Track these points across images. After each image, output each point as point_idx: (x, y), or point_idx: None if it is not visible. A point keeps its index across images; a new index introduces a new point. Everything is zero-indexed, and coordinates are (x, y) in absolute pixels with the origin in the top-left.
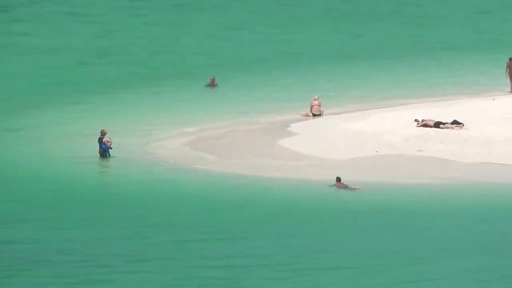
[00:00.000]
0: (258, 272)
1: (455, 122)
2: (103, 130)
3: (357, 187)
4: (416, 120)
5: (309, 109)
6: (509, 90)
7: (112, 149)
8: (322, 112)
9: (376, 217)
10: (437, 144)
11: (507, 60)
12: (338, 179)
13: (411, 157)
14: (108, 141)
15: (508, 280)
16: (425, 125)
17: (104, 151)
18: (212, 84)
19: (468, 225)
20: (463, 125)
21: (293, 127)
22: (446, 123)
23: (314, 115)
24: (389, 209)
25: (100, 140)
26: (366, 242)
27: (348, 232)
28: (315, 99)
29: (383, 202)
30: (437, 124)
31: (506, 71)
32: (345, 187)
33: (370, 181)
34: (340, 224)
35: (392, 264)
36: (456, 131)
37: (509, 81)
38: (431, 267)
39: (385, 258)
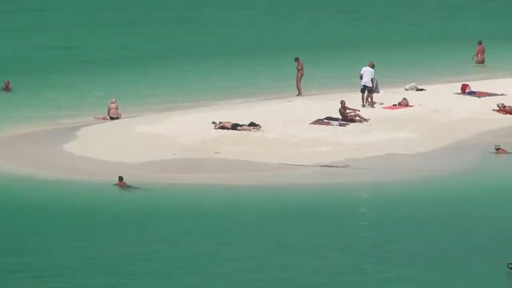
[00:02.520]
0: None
1: (252, 124)
2: None
3: (139, 188)
4: (213, 123)
5: (106, 112)
6: (297, 93)
7: None
8: (120, 115)
9: (162, 217)
10: (235, 146)
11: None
12: (121, 179)
13: (209, 160)
14: None
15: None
16: (223, 127)
17: None
18: (7, 88)
19: (265, 226)
20: (260, 127)
21: (87, 130)
22: (243, 125)
23: (111, 118)
24: (179, 209)
25: None
26: (143, 242)
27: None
28: (112, 102)
29: (174, 203)
30: (235, 126)
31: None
32: (128, 186)
33: (166, 182)
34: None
35: (169, 266)
36: (253, 133)
37: (296, 84)
38: (213, 268)
39: (164, 262)
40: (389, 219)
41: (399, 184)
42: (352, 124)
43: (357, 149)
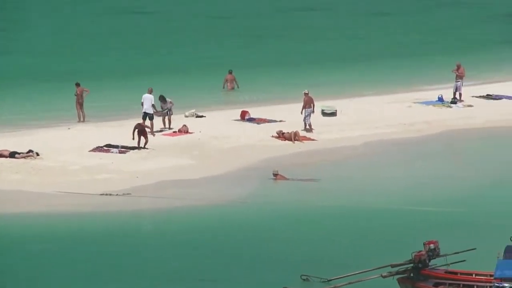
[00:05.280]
0: None
1: (30, 151)
2: None
3: None
4: None
5: None
6: (78, 120)
7: None
8: None
9: None
10: (13, 174)
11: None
12: None
13: None
14: None
15: None
16: (0, 155)
17: None
18: None
19: (44, 256)
20: (38, 155)
21: None
22: (22, 152)
23: None
24: None
25: None
26: None
27: None
28: None
29: None
30: (13, 154)
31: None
32: None
33: None
34: None
35: None
36: (32, 161)
37: (76, 110)
38: None
39: None
40: (170, 245)
41: (178, 212)
42: (131, 151)
43: (137, 177)
